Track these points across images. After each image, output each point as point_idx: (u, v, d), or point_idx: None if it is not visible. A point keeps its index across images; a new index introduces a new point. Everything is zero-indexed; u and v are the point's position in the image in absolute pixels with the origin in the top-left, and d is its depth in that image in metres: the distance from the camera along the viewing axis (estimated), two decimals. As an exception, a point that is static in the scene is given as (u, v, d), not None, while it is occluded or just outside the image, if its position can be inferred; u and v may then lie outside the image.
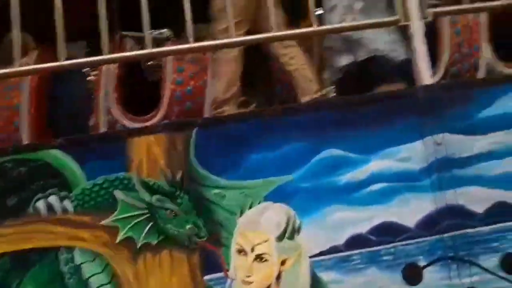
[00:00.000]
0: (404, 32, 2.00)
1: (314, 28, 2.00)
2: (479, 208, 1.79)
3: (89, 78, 3.51)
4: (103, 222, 1.70)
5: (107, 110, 2.98)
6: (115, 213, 1.71)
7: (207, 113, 2.92)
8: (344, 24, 2.12)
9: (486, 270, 1.72)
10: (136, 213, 1.72)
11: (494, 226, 1.77)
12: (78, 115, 3.42)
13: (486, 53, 3.30)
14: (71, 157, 1.75)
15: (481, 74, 3.36)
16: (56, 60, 1.92)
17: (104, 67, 3.02)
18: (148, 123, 2.91)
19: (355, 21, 2.00)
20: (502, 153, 1.85)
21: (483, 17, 3.34)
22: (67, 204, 1.72)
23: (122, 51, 2.95)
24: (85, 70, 3.48)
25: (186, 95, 2.98)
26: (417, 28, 1.95)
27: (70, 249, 1.69)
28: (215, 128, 1.82)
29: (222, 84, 2.65)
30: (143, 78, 3.46)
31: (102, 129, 2.92)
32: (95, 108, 3.00)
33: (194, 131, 1.78)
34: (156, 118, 2.93)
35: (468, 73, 3.38)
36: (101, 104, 3.00)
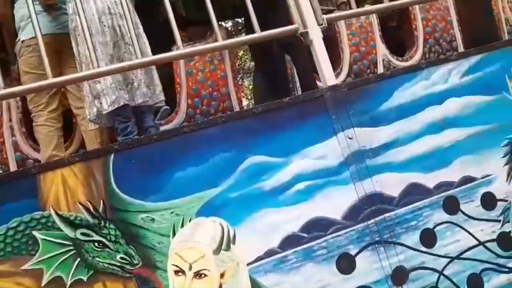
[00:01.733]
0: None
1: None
2: (394, 192, 1.93)
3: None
4: (24, 267, 1.57)
5: (15, 147, 2.78)
6: (37, 254, 1.59)
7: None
8: (251, 36, 2.18)
9: (409, 247, 1.86)
10: (60, 251, 1.61)
11: (410, 206, 1.92)
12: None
13: (382, 49, 3.60)
14: (-24, 203, 1.60)
15: (380, 69, 3.66)
16: None
17: (3, 102, 2.81)
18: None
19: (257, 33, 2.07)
20: (405, 140, 2.03)
21: (374, 18, 3.65)
22: (-21, 254, 1.57)
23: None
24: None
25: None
26: (316, 34, 2.08)
27: (-11, 303, 1.54)
28: (133, 151, 1.77)
29: None
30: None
31: (12, 167, 2.71)
32: (1, 146, 2.78)
33: (111, 157, 1.72)
34: (71, 148, 2.79)
35: (369, 70, 3.67)
36: (7, 140, 2.78)
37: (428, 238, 1.90)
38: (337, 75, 3.48)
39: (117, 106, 2.35)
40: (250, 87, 9.14)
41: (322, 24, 2.09)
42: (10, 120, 2.86)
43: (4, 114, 2.88)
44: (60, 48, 2.59)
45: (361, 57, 3.71)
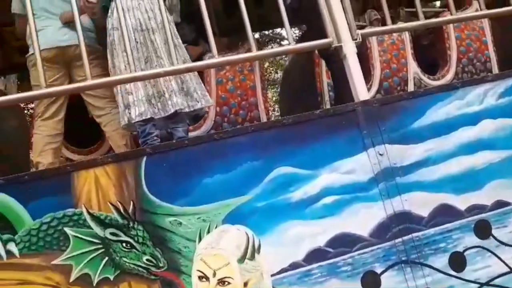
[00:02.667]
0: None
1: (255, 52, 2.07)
2: (424, 212, 1.90)
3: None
4: (54, 262, 1.61)
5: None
6: (68, 250, 1.62)
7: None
8: (280, 48, 2.21)
9: (437, 270, 1.82)
10: (90, 248, 1.64)
11: (439, 227, 1.89)
12: (12, 153, 3.25)
13: (413, 67, 3.57)
14: (12, 198, 1.65)
15: (410, 87, 3.63)
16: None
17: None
18: (92, 155, 2.83)
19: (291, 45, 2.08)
20: (437, 159, 2.00)
21: (407, 35, 3.62)
22: (12, 247, 1.61)
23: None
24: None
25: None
26: (349, 49, 2.08)
27: (19, 295, 1.58)
28: (164, 155, 1.80)
29: None
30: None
31: (45, 164, 2.78)
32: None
33: (143, 160, 1.75)
34: (100, 150, 2.85)
35: (399, 87, 3.63)
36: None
37: (458, 261, 1.86)
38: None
39: (144, 118, 2.42)
40: (274, 98, 9.17)
41: (356, 39, 2.09)
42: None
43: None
44: (69, 59, 2.69)
45: (391, 74, 3.68)
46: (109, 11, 2.53)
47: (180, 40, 2.56)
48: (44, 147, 2.66)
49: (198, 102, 2.53)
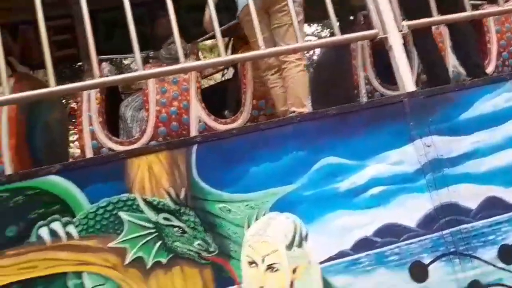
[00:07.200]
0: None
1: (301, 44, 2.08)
2: (471, 204, 1.88)
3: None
4: (110, 245, 1.67)
5: (92, 135, 2.94)
6: (123, 234, 1.68)
7: (194, 133, 2.95)
8: (325, 40, 2.21)
9: (486, 262, 1.81)
10: (143, 233, 1.70)
11: (488, 220, 1.87)
12: (56, 143, 3.36)
13: (452, 60, 3.52)
14: (70, 182, 1.72)
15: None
16: (31, 88, 1.92)
17: (84, 93, 2.99)
18: (134, 146, 2.90)
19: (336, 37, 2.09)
20: (485, 151, 1.98)
21: (445, 28, 3.57)
22: (71, 229, 1.69)
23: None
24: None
25: (171, 116, 2.99)
26: (395, 40, 2.08)
27: (78, 275, 1.65)
28: (214, 143, 1.84)
29: None
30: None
31: (88, 154, 2.87)
32: (79, 133, 2.95)
33: (194, 147, 1.80)
34: (142, 140, 2.92)
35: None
36: (85, 129, 2.96)
37: (507, 254, 1.84)
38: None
39: None
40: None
41: (402, 30, 2.08)
42: (89, 110, 3.03)
43: (84, 104, 3.04)
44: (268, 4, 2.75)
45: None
46: None
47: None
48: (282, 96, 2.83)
49: None
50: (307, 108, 2.74)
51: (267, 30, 2.74)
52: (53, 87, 1.86)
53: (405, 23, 2.15)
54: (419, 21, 2.26)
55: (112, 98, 3.31)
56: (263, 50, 2.00)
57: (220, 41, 1.92)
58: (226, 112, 3.51)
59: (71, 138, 4.96)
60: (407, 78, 2.05)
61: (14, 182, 1.72)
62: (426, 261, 1.80)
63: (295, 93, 2.75)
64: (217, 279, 1.69)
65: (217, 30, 1.95)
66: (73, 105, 3.37)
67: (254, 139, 1.87)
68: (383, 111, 1.97)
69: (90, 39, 1.91)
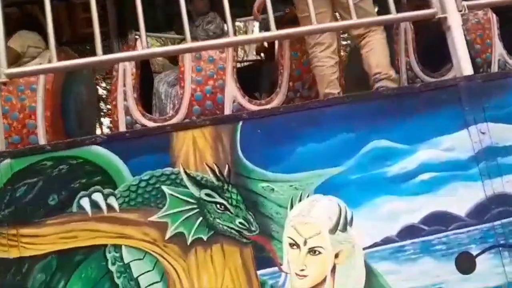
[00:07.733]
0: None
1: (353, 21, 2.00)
2: (526, 196, 1.79)
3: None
4: (151, 219, 1.65)
5: (126, 111, 2.92)
6: (164, 208, 1.66)
7: (227, 112, 2.90)
8: (380, 17, 2.11)
9: (539, 256, 1.72)
10: (185, 208, 1.67)
11: (542, 213, 1.77)
12: (85, 115, 3.37)
13: (499, 48, 3.36)
14: (114, 154, 1.70)
15: (494, 69, 3.42)
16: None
17: (120, 68, 2.96)
18: (167, 123, 2.87)
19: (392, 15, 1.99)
20: (542, 142, 1.87)
21: (493, 15, 3.41)
22: (112, 201, 1.67)
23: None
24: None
25: (206, 94, 2.95)
26: (455, 20, 1.97)
27: (117, 247, 1.63)
28: (260, 121, 1.78)
29: None
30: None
31: (121, 129, 2.86)
32: (113, 108, 2.94)
33: (240, 124, 1.75)
34: (177, 118, 2.88)
35: (481, 69, 3.44)
36: (120, 104, 2.94)
37: (561, 249, 1.75)
38: (446, 71, 3.30)
39: None
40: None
41: (461, 10, 1.97)
42: (124, 85, 3.01)
43: (119, 79, 3.02)
44: None
45: (474, 55, 3.48)
46: None
47: None
48: (331, 77, 2.69)
49: None
50: (393, 73, 2.58)
51: (326, 5, 2.60)
52: (101, 56, 1.82)
53: (466, 2, 2.03)
54: (479, 2, 2.13)
55: (145, 78, 3.28)
56: (315, 25, 1.92)
57: (271, 15, 1.85)
58: (257, 93, 3.44)
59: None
60: (465, 61, 1.94)
61: (59, 150, 1.71)
62: (474, 252, 1.72)
63: (383, 55, 2.61)
64: (257, 259, 1.65)
65: (268, 2, 1.88)
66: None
67: (302, 118, 1.81)
68: (437, 95, 1.88)
69: (140, 14, 1.86)
